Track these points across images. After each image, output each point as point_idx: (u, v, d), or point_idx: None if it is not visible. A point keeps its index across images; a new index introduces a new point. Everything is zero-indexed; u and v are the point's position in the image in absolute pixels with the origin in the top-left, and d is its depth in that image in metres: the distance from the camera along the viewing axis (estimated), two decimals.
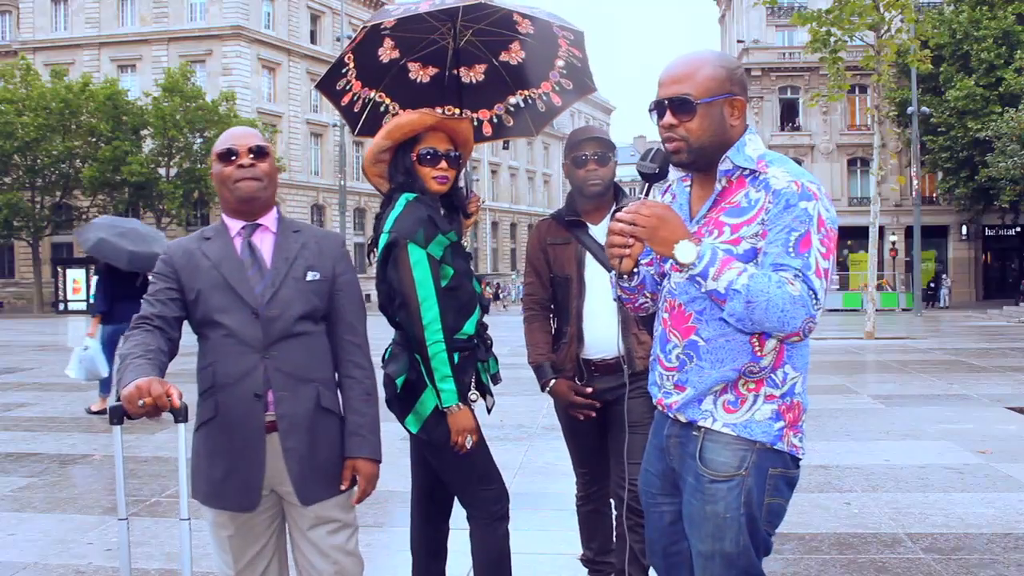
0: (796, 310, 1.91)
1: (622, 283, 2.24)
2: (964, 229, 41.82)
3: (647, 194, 2.14)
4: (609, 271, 2.27)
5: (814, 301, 1.93)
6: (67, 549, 4.45)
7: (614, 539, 3.46)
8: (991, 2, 35.10)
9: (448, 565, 3.17)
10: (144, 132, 39.22)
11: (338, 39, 42.74)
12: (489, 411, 3.06)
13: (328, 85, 3.46)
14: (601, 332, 3.22)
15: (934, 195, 41.55)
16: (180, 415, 2.19)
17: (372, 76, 3.44)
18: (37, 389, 10.67)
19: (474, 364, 2.94)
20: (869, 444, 6.94)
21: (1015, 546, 4.32)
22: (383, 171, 2.99)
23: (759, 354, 2.06)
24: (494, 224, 65.27)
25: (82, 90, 37.50)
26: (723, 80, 2.08)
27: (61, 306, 39.11)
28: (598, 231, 3.23)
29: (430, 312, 2.73)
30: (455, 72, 3.45)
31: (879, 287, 29.99)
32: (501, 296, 51.85)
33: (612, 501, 3.42)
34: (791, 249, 1.96)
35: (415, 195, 2.87)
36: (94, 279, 8.74)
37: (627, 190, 3.44)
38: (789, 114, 44.44)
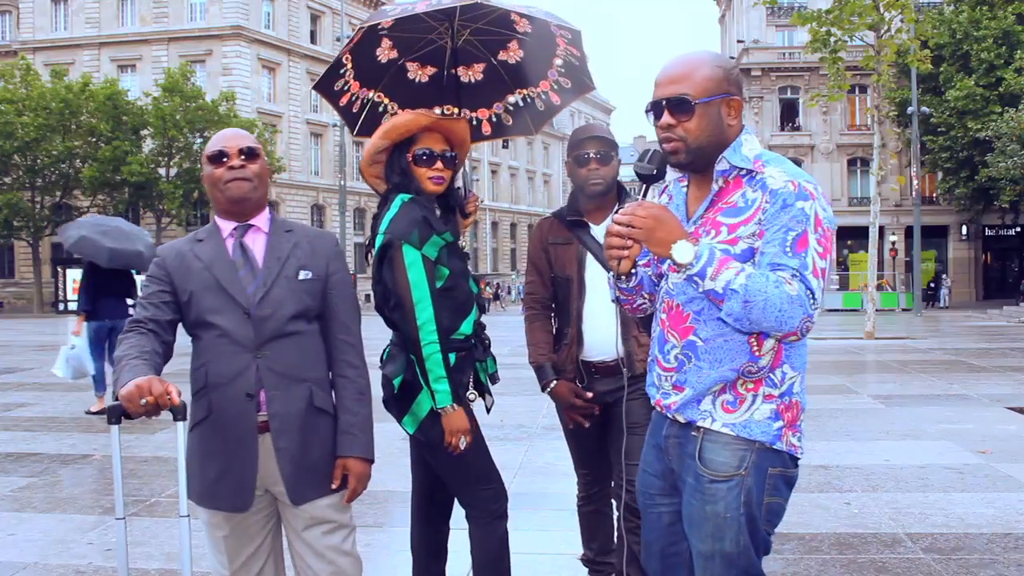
0: (794, 310, 1.91)
1: (620, 284, 2.24)
2: (964, 229, 41.83)
3: (644, 195, 2.14)
4: (608, 272, 2.27)
5: (811, 301, 1.94)
6: (67, 549, 4.45)
7: (615, 540, 3.46)
8: (991, 2, 35.10)
9: (448, 565, 3.17)
10: (144, 132, 39.23)
11: (338, 39, 42.77)
12: (488, 411, 3.06)
13: (326, 86, 3.45)
14: (601, 334, 3.22)
15: (934, 195, 41.56)
16: (179, 413, 2.20)
17: (370, 76, 3.44)
18: (37, 389, 10.68)
19: (472, 364, 2.94)
20: (869, 444, 6.94)
21: (1015, 546, 4.32)
22: (380, 172, 2.99)
23: (757, 354, 2.06)
24: (494, 224, 65.29)
25: (82, 90, 37.51)
26: (720, 80, 2.09)
27: (61, 306, 39.10)
28: (600, 231, 3.22)
29: (424, 313, 2.73)
30: (453, 71, 3.45)
31: (879, 287, 30.00)
32: (501, 296, 51.87)
33: (613, 502, 3.42)
34: (788, 249, 1.96)
35: (411, 196, 2.87)
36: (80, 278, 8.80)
37: (629, 190, 3.44)
38: (789, 114, 44.45)
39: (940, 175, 38.74)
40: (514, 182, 69.42)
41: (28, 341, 20.80)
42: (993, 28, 34.14)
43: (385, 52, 3.39)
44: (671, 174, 2.22)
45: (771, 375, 2.08)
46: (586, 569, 3.61)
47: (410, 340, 2.76)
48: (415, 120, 2.92)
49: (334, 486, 2.45)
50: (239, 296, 2.40)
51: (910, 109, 31.75)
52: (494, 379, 3.09)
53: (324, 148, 49.72)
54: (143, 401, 2.10)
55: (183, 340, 2.48)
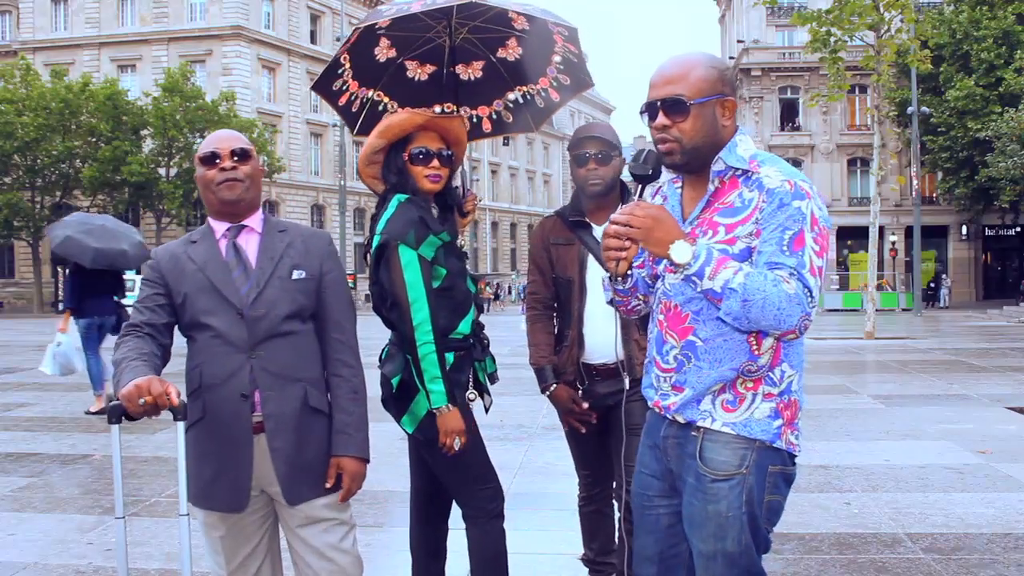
0: (792, 308, 1.92)
1: (616, 285, 2.24)
2: (964, 229, 41.84)
3: (640, 195, 2.14)
4: (605, 273, 2.27)
5: (809, 299, 1.95)
6: (67, 549, 4.44)
7: (616, 540, 3.46)
8: (991, 2, 35.11)
9: (448, 565, 3.17)
10: (144, 132, 39.25)
11: (338, 39, 42.75)
12: (487, 411, 3.06)
13: (324, 86, 3.45)
14: (601, 337, 3.21)
15: (934, 195, 41.57)
16: (179, 413, 2.20)
17: (369, 76, 3.44)
18: (37, 389, 10.67)
19: (470, 363, 2.94)
20: (869, 444, 6.94)
21: (1015, 546, 4.32)
22: (377, 172, 2.99)
23: (757, 353, 2.07)
24: (494, 224, 65.29)
25: (82, 90, 37.51)
26: (715, 81, 2.09)
27: (61, 306, 39.02)
28: (602, 232, 3.22)
29: (420, 313, 2.74)
30: (453, 70, 3.45)
31: (879, 287, 29.99)
32: (501, 296, 51.90)
33: (615, 503, 3.42)
34: (785, 247, 1.97)
35: (407, 196, 2.87)
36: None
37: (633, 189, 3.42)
38: (789, 114, 44.46)
39: (940, 175, 38.75)
40: (514, 182, 69.41)
41: (28, 341, 20.79)
42: (993, 28, 34.14)
43: (383, 51, 3.39)
44: (665, 175, 2.22)
45: (770, 374, 2.09)
46: (586, 569, 3.61)
47: (406, 340, 2.77)
48: (410, 119, 2.92)
49: (328, 485, 2.45)
50: (232, 297, 2.40)
51: (910, 109, 31.76)
52: (493, 379, 3.09)
53: (324, 148, 49.73)
54: (141, 401, 2.10)
55: (180, 341, 2.48)
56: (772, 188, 2.02)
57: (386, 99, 3.47)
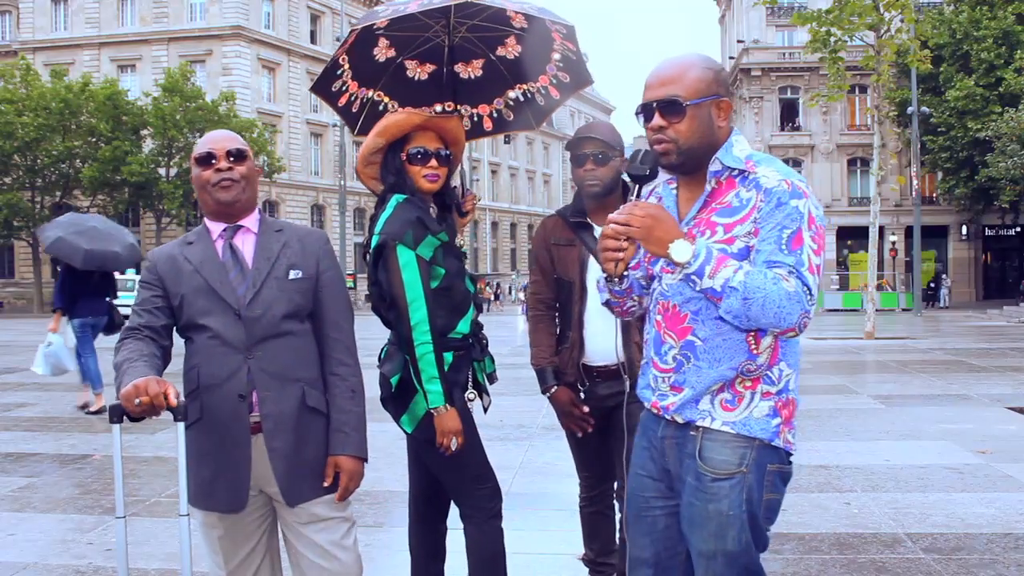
0: (792, 306, 1.94)
1: (612, 287, 2.25)
2: (964, 229, 41.85)
3: (637, 195, 2.14)
4: (601, 274, 2.27)
5: (808, 296, 1.96)
6: (67, 549, 4.44)
7: (616, 541, 3.46)
8: (991, 2, 35.11)
9: (448, 565, 3.17)
10: (144, 132, 39.26)
11: (338, 39, 42.77)
12: (485, 411, 3.06)
13: (323, 87, 3.45)
14: (602, 339, 3.21)
15: (934, 195, 41.58)
16: (179, 413, 2.20)
17: (369, 76, 3.44)
18: (37, 389, 10.67)
19: (469, 363, 2.94)
20: (869, 444, 6.94)
21: (1015, 546, 4.32)
22: (376, 172, 3.00)
23: (755, 352, 2.08)
24: (494, 224, 65.30)
25: (82, 90, 37.52)
26: (710, 82, 2.11)
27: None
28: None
29: (418, 313, 2.74)
30: (452, 68, 3.45)
31: (879, 287, 30.01)
32: (501, 296, 51.92)
33: (616, 503, 3.42)
34: (784, 246, 1.98)
35: (405, 196, 2.87)
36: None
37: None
38: (789, 114, 44.47)
39: (940, 175, 38.76)
40: (514, 182, 69.41)
41: (28, 341, 20.78)
42: (993, 28, 34.14)
43: (383, 51, 3.39)
44: (660, 175, 2.23)
45: (769, 373, 2.10)
46: (586, 569, 3.61)
47: (404, 340, 2.77)
48: (408, 119, 2.92)
49: (326, 484, 2.45)
50: (229, 297, 2.40)
51: (910, 109, 31.76)
52: (492, 379, 3.09)
53: (324, 148, 49.73)
54: (137, 401, 2.10)
55: (179, 341, 2.48)
56: (770, 188, 2.03)
57: (386, 99, 3.47)
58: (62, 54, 45.55)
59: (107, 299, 8.92)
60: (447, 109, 3.42)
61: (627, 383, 3.15)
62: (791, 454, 2.17)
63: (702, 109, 2.09)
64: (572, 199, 3.40)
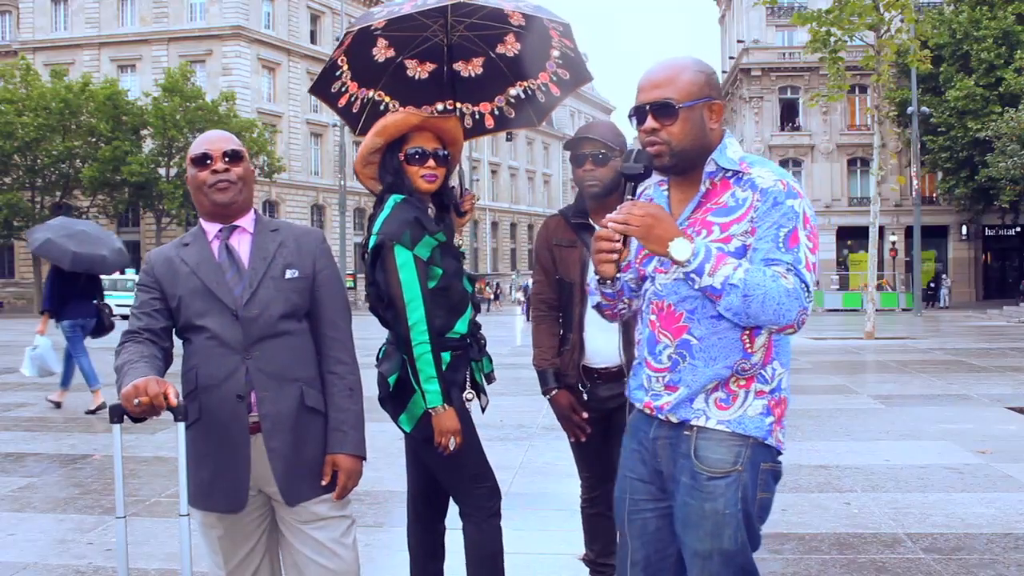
0: (791, 303, 1.96)
1: (603, 289, 2.26)
2: (964, 229, 41.85)
3: (632, 194, 2.16)
4: (594, 276, 2.27)
5: (806, 293, 1.99)
6: (67, 549, 4.44)
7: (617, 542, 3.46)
8: (991, 2, 35.11)
9: (447, 565, 3.17)
10: (144, 132, 39.25)
11: (337, 39, 42.61)
12: (483, 411, 3.06)
13: (322, 88, 3.45)
14: (602, 341, 3.21)
15: (934, 195, 41.59)
16: (179, 413, 2.20)
17: (369, 76, 3.44)
18: (37, 389, 10.66)
19: (467, 363, 2.94)
20: (869, 444, 6.94)
21: (1015, 546, 4.32)
22: (374, 172, 3.00)
23: (750, 351, 2.10)
24: (494, 224, 65.29)
25: (82, 90, 37.51)
26: (702, 84, 2.13)
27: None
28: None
29: (416, 313, 2.75)
30: (452, 67, 3.45)
31: (879, 287, 30.01)
32: (500, 297, 51.95)
33: None
34: (781, 245, 2.02)
35: (403, 196, 2.88)
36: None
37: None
38: (789, 114, 44.47)
39: (940, 175, 38.76)
40: (514, 182, 69.40)
41: (28, 341, 20.79)
42: (993, 28, 34.14)
43: (382, 51, 3.39)
44: (652, 176, 2.24)
45: (762, 372, 2.12)
46: (587, 570, 3.61)
47: (402, 340, 2.78)
48: (405, 119, 2.93)
49: (324, 483, 2.45)
50: (226, 298, 2.40)
51: (910, 109, 31.76)
52: (490, 379, 3.09)
53: (324, 148, 49.73)
54: (136, 401, 2.10)
55: (176, 342, 2.49)
56: (766, 188, 2.06)
57: (387, 99, 3.47)
58: (62, 54, 45.54)
59: (94, 302, 9.08)
60: (448, 108, 3.42)
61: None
62: (781, 453, 2.19)
63: (695, 111, 2.11)
64: (574, 199, 3.40)
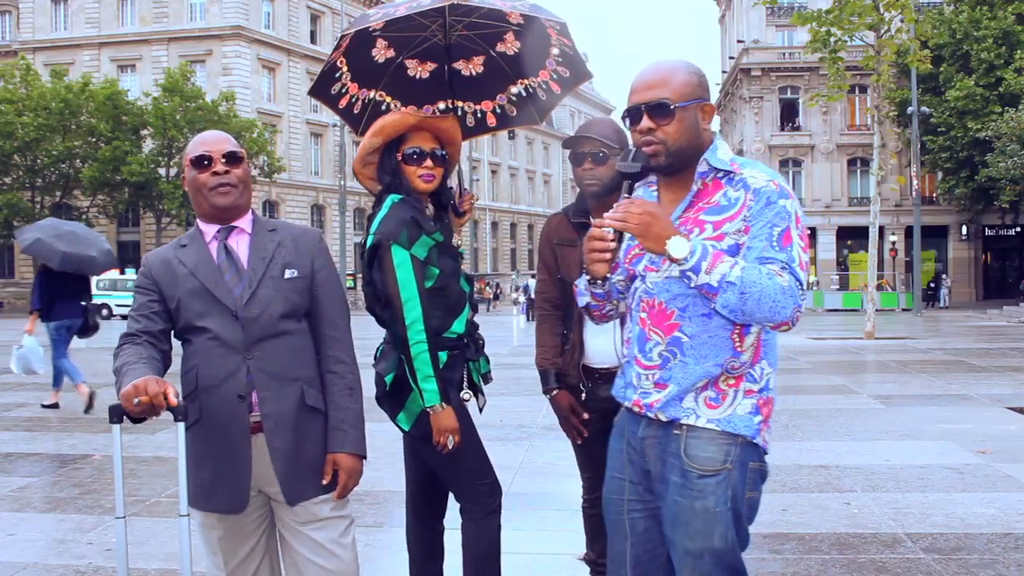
0: (786, 300, 1.99)
1: (594, 289, 2.27)
2: (964, 229, 41.85)
3: (630, 192, 2.18)
4: (584, 276, 2.28)
5: (800, 291, 2.03)
6: (67, 549, 4.44)
7: None
8: (991, 2, 35.11)
9: (446, 564, 3.17)
10: (144, 132, 39.26)
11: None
12: (480, 411, 3.06)
13: (322, 90, 3.45)
14: (602, 341, 3.21)
15: (934, 195, 41.59)
16: (179, 413, 2.20)
17: (369, 77, 3.44)
18: (37, 389, 10.66)
19: (463, 363, 2.95)
20: (869, 444, 6.94)
21: (1015, 546, 4.32)
22: (373, 173, 3.02)
23: (739, 349, 2.13)
24: (494, 224, 65.29)
25: (82, 90, 37.52)
26: (695, 86, 2.17)
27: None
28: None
29: (413, 312, 2.76)
30: (453, 67, 3.45)
31: (879, 287, 30.02)
32: (500, 296, 51.96)
33: None
34: (775, 243, 2.05)
35: (401, 196, 2.89)
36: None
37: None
38: (789, 114, 44.46)
39: (940, 175, 38.76)
40: (514, 182, 69.40)
41: None
42: (993, 28, 34.14)
43: (381, 52, 3.39)
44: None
45: (751, 371, 2.15)
46: (587, 570, 3.61)
47: (399, 339, 2.79)
48: (402, 119, 2.94)
49: (325, 482, 2.45)
50: (225, 299, 2.40)
51: (910, 109, 31.76)
52: (487, 379, 3.10)
53: (324, 148, 49.74)
54: (136, 400, 2.10)
55: (177, 343, 2.49)
56: (758, 188, 2.10)
57: (388, 99, 3.47)
58: (62, 54, 45.55)
59: (82, 302, 9.17)
60: (450, 107, 3.42)
61: None
62: (767, 453, 2.22)
63: (689, 112, 2.15)
64: (575, 198, 3.40)
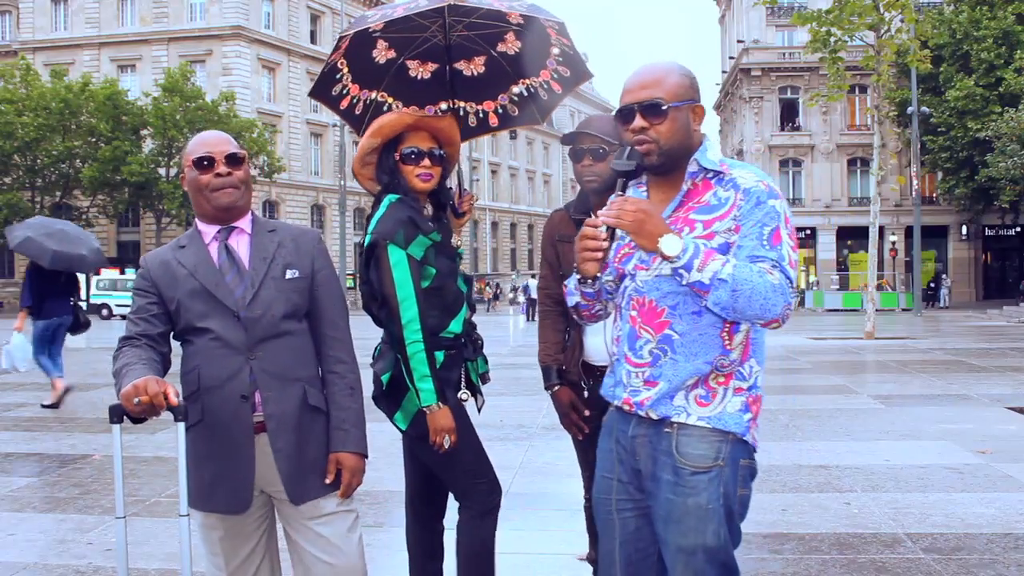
0: (777, 297, 2.02)
1: (584, 288, 2.28)
2: (964, 229, 41.85)
3: (624, 190, 2.20)
4: (575, 275, 2.29)
5: (790, 289, 2.06)
6: (67, 549, 4.44)
7: None
8: (991, 2, 35.11)
9: (446, 564, 3.17)
10: (144, 132, 39.26)
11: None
12: (479, 411, 3.07)
13: (323, 91, 3.45)
14: (602, 338, 3.21)
15: (934, 195, 41.59)
16: (179, 413, 2.20)
17: (370, 78, 3.44)
18: (37, 389, 10.66)
19: (461, 362, 2.96)
20: (869, 444, 6.94)
21: (1015, 546, 4.32)
22: (372, 173, 3.03)
23: (728, 347, 2.15)
24: (494, 224, 65.30)
25: (82, 90, 37.52)
26: (688, 87, 2.21)
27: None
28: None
29: (409, 312, 2.76)
30: (454, 67, 3.45)
31: (879, 287, 30.02)
32: (500, 296, 51.98)
33: None
34: (765, 242, 2.08)
35: (398, 196, 2.90)
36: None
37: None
38: (789, 114, 44.46)
39: (940, 175, 38.76)
40: (514, 182, 69.41)
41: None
42: (993, 28, 34.14)
43: (382, 53, 3.39)
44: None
45: (740, 369, 2.17)
46: (588, 570, 3.61)
47: (395, 338, 2.80)
48: (399, 119, 2.95)
49: (328, 481, 2.45)
50: (227, 300, 2.40)
51: (910, 109, 31.76)
52: (484, 379, 3.10)
53: (324, 148, 49.74)
54: (136, 400, 2.10)
55: (176, 344, 2.49)
56: (748, 188, 2.13)
57: (390, 99, 3.47)
58: (62, 54, 45.54)
59: (71, 300, 9.24)
60: (452, 107, 3.42)
61: None
62: (756, 451, 2.23)
63: (681, 112, 2.18)
64: (577, 196, 3.41)
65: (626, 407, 2.23)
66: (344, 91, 3.44)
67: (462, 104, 3.48)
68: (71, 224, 9.94)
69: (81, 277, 9.97)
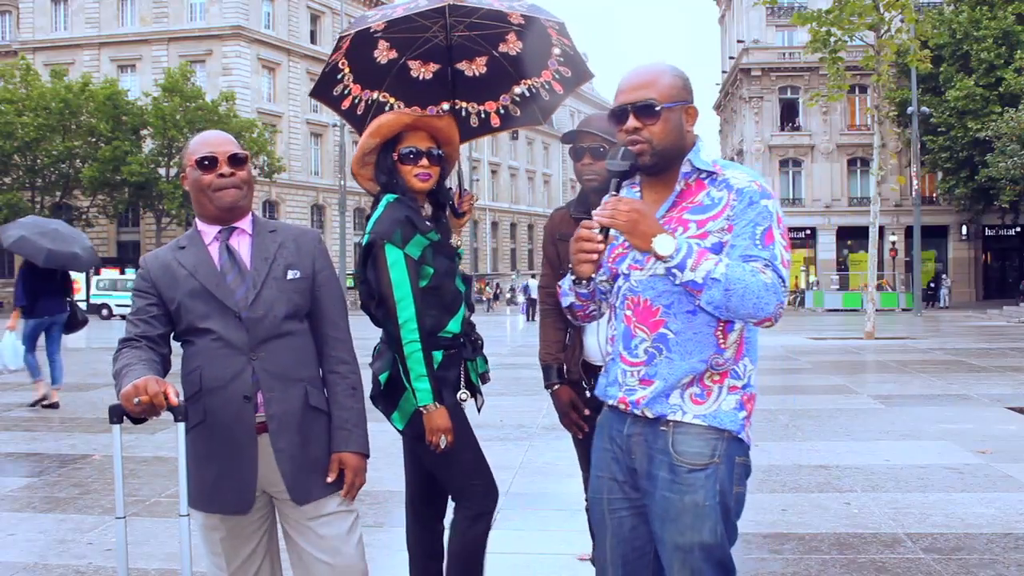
0: (769, 296, 2.04)
1: (579, 289, 2.29)
2: (964, 229, 41.85)
3: (618, 190, 2.22)
4: (569, 276, 2.30)
5: (783, 288, 2.07)
6: (67, 549, 4.45)
7: None
8: (991, 2, 35.11)
9: (446, 564, 3.17)
10: (144, 132, 39.25)
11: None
12: (479, 411, 3.07)
13: (324, 92, 3.45)
14: (602, 338, 3.22)
15: (934, 195, 41.59)
16: (179, 413, 2.20)
17: (372, 78, 3.44)
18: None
19: (459, 362, 2.96)
20: (869, 444, 6.94)
21: (1015, 546, 4.32)
22: (371, 173, 3.03)
23: (723, 346, 2.16)
24: (494, 224, 65.30)
25: (82, 90, 37.51)
26: (681, 88, 2.22)
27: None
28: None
29: (406, 311, 2.77)
30: (455, 67, 3.46)
31: (879, 287, 30.02)
32: (500, 296, 51.97)
33: None
34: (758, 242, 2.10)
35: (396, 196, 2.91)
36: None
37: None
38: (789, 114, 44.45)
39: (940, 175, 38.76)
40: (514, 182, 69.41)
41: None
42: (993, 28, 34.14)
43: (383, 53, 3.39)
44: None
45: (735, 367, 2.19)
46: (590, 570, 3.60)
47: (392, 338, 2.80)
48: (398, 119, 2.96)
49: (330, 480, 2.45)
50: (228, 300, 2.40)
51: (910, 109, 31.77)
52: (484, 379, 3.10)
53: (324, 148, 49.74)
54: (136, 400, 2.10)
55: (176, 344, 2.49)
56: (741, 188, 2.14)
57: (392, 99, 3.47)
58: (62, 54, 45.54)
59: (66, 298, 9.30)
60: (454, 107, 3.43)
61: None
62: (750, 448, 2.24)
63: (674, 113, 2.20)
64: (577, 195, 3.42)
65: (621, 406, 2.24)
66: (346, 91, 3.44)
67: (464, 104, 3.48)
68: (64, 223, 10.04)
69: (78, 276, 10.08)
